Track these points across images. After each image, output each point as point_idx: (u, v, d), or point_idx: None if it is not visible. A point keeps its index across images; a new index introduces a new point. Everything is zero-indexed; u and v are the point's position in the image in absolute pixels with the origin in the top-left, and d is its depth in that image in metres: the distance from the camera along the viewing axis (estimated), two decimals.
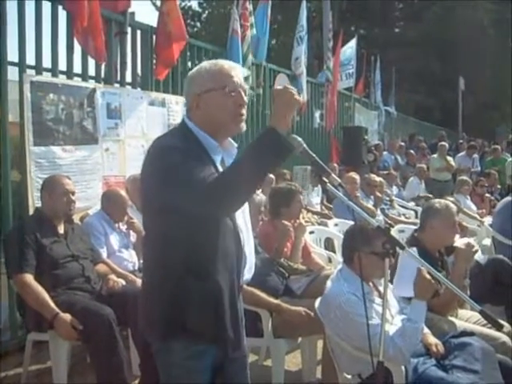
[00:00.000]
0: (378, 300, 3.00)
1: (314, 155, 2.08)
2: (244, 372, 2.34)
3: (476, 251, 3.68)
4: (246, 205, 2.29)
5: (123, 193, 4.73)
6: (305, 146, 2.07)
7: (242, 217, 2.26)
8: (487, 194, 9.67)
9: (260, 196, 4.32)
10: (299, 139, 2.06)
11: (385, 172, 10.59)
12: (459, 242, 3.76)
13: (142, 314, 2.22)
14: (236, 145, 2.28)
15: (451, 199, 5.37)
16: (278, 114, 2.00)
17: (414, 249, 3.02)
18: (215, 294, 2.09)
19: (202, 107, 2.15)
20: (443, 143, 12.45)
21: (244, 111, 2.17)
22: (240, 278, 2.21)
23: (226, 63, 2.21)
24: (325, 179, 2.09)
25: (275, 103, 2.02)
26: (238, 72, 2.19)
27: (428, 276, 2.87)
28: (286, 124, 1.98)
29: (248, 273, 2.28)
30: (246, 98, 2.18)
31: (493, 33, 28.33)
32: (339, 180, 2.09)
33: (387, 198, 8.73)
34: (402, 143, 14.73)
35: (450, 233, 3.80)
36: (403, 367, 2.93)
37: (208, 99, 2.14)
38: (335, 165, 9.88)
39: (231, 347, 2.17)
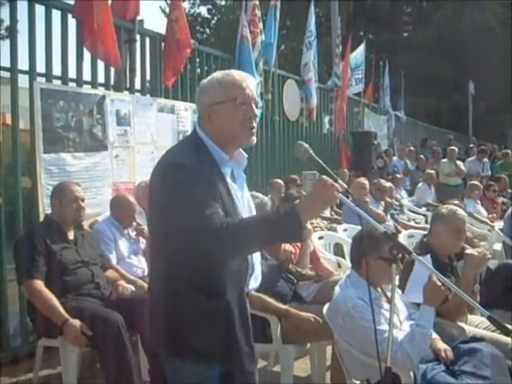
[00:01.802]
0: (386, 305, 2.99)
1: (321, 161, 2.08)
2: (253, 378, 2.34)
3: (488, 258, 3.66)
4: (254, 212, 2.30)
5: (131, 198, 4.74)
6: (311, 152, 2.07)
7: None
8: (502, 199, 9.63)
9: (259, 198, 4.31)
10: (306, 146, 2.06)
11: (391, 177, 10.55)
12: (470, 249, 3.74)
13: (150, 326, 2.21)
14: (246, 155, 2.27)
15: (456, 202, 5.34)
16: (310, 205, 1.98)
17: (428, 256, 3.02)
18: (225, 312, 2.07)
19: (214, 119, 2.14)
20: (453, 148, 12.39)
21: (254, 124, 2.15)
22: (247, 287, 2.21)
23: (238, 74, 2.19)
24: None
25: (313, 192, 2.00)
26: (250, 83, 2.17)
27: (438, 282, 2.86)
28: (313, 216, 1.99)
29: (254, 281, 2.27)
30: (257, 111, 2.17)
31: (502, 35, 28.18)
32: (346, 186, 2.09)
33: (397, 203, 8.71)
34: (412, 148, 14.68)
35: (455, 239, 3.77)
36: (412, 373, 2.91)
37: (219, 111, 2.13)
38: (345, 170, 9.88)
39: (247, 361, 2.16)
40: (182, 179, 1.98)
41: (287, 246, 4.06)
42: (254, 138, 2.17)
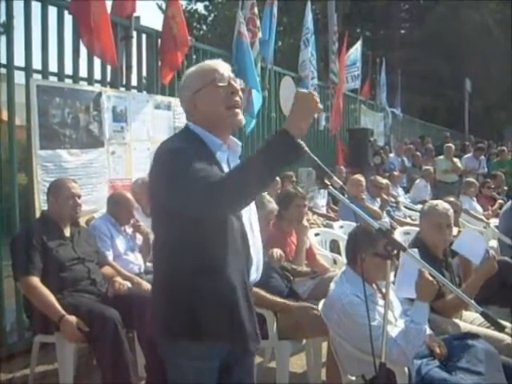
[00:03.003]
0: (381, 302, 3.01)
1: (316, 158, 2.09)
2: (250, 372, 2.36)
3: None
4: (253, 205, 2.31)
5: (129, 195, 4.75)
6: (306, 149, 2.08)
7: (248, 217, 2.27)
8: (498, 196, 9.66)
9: (272, 204, 4.33)
10: (301, 142, 2.07)
11: (388, 174, 10.58)
12: None
13: (151, 316, 2.22)
14: (240, 143, 2.30)
15: (452, 200, 5.35)
16: (296, 118, 1.98)
17: (415, 250, 3.02)
18: (229, 293, 2.10)
19: (198, 105, 2.19)
20: (449, 145, 12.42)
21: (237, 98, 2.19)
22: (248, 278, 2.22)
23: (210, 61, 2.27)
24: (327, 182, 2.10)
25: (295, 106, 1.99)
26: (224, 67, 2.23)
27: (430, 277, 2.87)
28: (302, 129, 1.97)
29: (255, 273, 2.28)
30: (237, 86, 2.21)
31: (498, 33, 28.24)
32: (341, 183, 2.10)
33: (393, 200, 8.73)
34: (411, 145, 14.71)
35: (438, 233, 3.77)
36: (406, 368, 2.93)
37: (201, 97, 2.18)
38: (342, 167, 9.89)
39: (251, 341, 2.18)
40: (179, 160, 2.00)
41: (275, 250, 4.04)
42: (241, 117, 2.21)
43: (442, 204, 3.92)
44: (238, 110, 2.19)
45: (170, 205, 2.05)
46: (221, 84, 2.17)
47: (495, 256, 3.70)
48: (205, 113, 2.18)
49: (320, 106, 2.01)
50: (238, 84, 2.23)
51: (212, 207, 1.94)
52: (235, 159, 2.26)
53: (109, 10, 5.35)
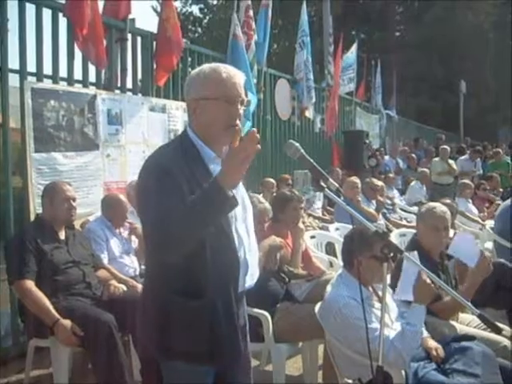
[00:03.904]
0: (377, 304, 3.00)
1: (312, 160, 2.08)
2: (247, 378, 2.34)
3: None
4: (249, 211, 2.29)
5: (123, 197, 4.73)
6: (302, 151, 2.07)
7: (244, 224, 2.24)
8: (496, 198, 9.69)
9: (264, 204, 4.31)
10: (296, 145, 2.06)
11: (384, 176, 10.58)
12: None
13: (140, 324, 2.22)
14: None
15: (447, 201, 5.35)
16: (229, 171, 1.91)
17: (415, 253, 3.02)
18: (209, 313, 2.07)
19: (198, 114, 2.14)
20: (445, 147, 12.43)
21: (238, 122, 2.12)
22: (238, 288, 2.18)
23: (225, 70, 2.14)
24: (323, 184, 2.09)
25: (230, 157, 1.91)
26: (237, 80, 2.14)
27: (428, 280, 2.87)
28: (237, 181, 1.94)
29: (250, 279, 2.25)
30: (241, 110, 2.14)
31: (493, 36, 28.36)
32: (337, 185, 2.09)
33: (389, 202, 8.73)
34: (406, 147, 14.73)
35: (435, 236, 3.77)
36: (403, 371, 2.92)
37: (204, 107, 2.12)
38: (338, 169, 9.89)
39: (230, 363, 2.17)
40: (154, 181, 1.99)
41: (274, 237, 4.05)
42: (238, 139, 2.12)
43: (439, 206, 3.91)
44: (235, 134, 2.05)
45: (142, 221, 2.09)
46: (228, 104, 2.10)
47: (489, 257, 3.70)
48: (202, 124, 2.14)
49: (258, 147, 1.91)
50: (246, 99, 2.16)
51: (157, 250, 1.99)
52: None
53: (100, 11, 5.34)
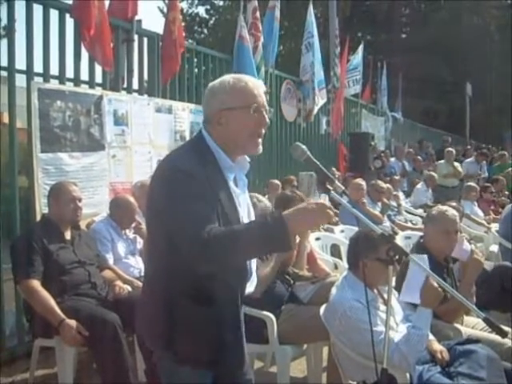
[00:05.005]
0: (382, 307, 3.00)
1: (318, 163, 2.08)
2: (248, 376, 2.34)
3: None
4: (252, 216, 2.29)
5: (132, 199, 4.72)
6: (309, 153, 2.07)
7: None
8: (507, 200, 9.67)
9: (264, 202, 4.31)
10: (303, 147, 2.06)
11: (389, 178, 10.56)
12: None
13: (141, 324, 2.23)
14: (249, 160, 2.25)
15: (454, 204, 5.35)
16: (302, 222, 1.95)
17: (425, 256, 3.02)
18: (216, 322, 2.07)
19: (224, 124, 2.11)
20: (450, 149, 12.40)
21: (263, 130, 2.14)
22: (243, 294, 2.19)
23: (250, 81, 2.16)
24: (329, 187, 2.09)
25: (309, 211, 1.95)
26: (261, 90, 2.16)
27: (435, 284, 2.86)
28: (301, 230, 1.96)
29: (250, 285, 2.26)
30: (268, 119, 2.16)
31: (499, 38, 28.30)
32: (343, 187, 2.10)
33: (394, 204, 8.70)
34: (411, 149, 14.70)
35: (445, 240, 3.75)
36: (408, 374, 2.92)
37: (230, 117, 2.10)
38: (334, 169, 9.84)
39: (236, 369, 2.19)
40: (179, 185, 1.96)
41: None
42: (261, 148, 2.14)
43: (450, 210, 3.89)
44: (259, 141, 2.13)
45: (163, 230, 2.02)
46: (256, 114, 2.10)
47: (477, 251, 3.76)
48: (226, 133, 2.11)
49: (334, 219, 1.96)
50: (269, 113, 2.18)
51: (199, 263, 1.93)
52: (242, 177, 2.23)
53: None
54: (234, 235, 1.92)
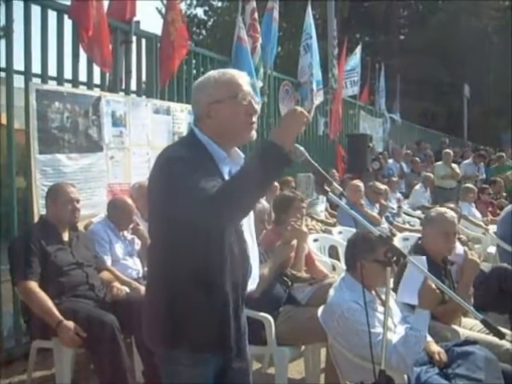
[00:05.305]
0: (380, 308, 3.00)
1: (316, 164, 2.08)
2: (246, 381, 2.35)
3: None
4: (252, 215, 2.30)
5: (129, 201, 4.72)
6: (307, 155, 2.08)
7: (248, 227, 2.27)
8: (504, 201, 9.69)
9: (262, 204, 4.32)
10: (301, 148, 2.07)
11: (387, 180, 10.57)
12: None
13: (145, 321, 2.22)
14: (243, 155, 2.27)
15: (452, 206, 5.36)
16: (285, 131, 1.99)
17: (424, 258, 3.02)
18: (221, 307, 2.10)
19: (213, 117, 2.14)
20: (448, 151, 12.42)
21: (255, 119, 2.17)
22: (245, 289, 2.22)
23: (234, 72, 2.22)
24: (327, 188, 2.09)
25: (285, 120, 2.02)
26: (246, 80, 2.19)
27: (434, 286, 2.86)
28: (291, 141, 1.98)
29: (252, 283, 2.28)
30: (256, 106, 2.18)
31: (497, 40, 28.36)
32: (341, 189, 2.10)
33: (391, 206, 8.71)
34: (409, 151, 14.71)
35: (444, 241, 3.75)
36: (406, 375, 2.92)
37: (219, 109, 2.13)
38: (334, 171, 9.85)
39: (235, 356, 2.19)
40: (178, 169, 1.98)
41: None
42: (254, 133, 2.18)
43: (449, 211, 3.90)
44: (253, 131, 2.17)
45: (168, 213, 2.03)
46: (244, 102, 2.14)
47: (471, 252, 3.77)
48: (218, 126, 2.14)
49: (309, 118, 2.01)
50: (257, 103, 2.21)
51: (213, 218, 1.93)
52: None
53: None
54: (234, 178, 1.97)
